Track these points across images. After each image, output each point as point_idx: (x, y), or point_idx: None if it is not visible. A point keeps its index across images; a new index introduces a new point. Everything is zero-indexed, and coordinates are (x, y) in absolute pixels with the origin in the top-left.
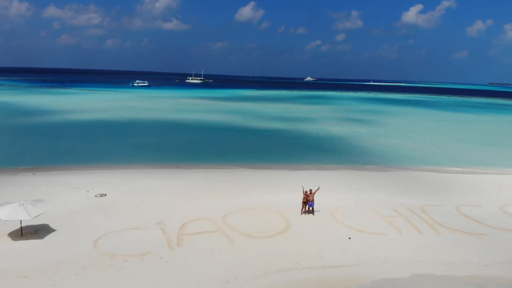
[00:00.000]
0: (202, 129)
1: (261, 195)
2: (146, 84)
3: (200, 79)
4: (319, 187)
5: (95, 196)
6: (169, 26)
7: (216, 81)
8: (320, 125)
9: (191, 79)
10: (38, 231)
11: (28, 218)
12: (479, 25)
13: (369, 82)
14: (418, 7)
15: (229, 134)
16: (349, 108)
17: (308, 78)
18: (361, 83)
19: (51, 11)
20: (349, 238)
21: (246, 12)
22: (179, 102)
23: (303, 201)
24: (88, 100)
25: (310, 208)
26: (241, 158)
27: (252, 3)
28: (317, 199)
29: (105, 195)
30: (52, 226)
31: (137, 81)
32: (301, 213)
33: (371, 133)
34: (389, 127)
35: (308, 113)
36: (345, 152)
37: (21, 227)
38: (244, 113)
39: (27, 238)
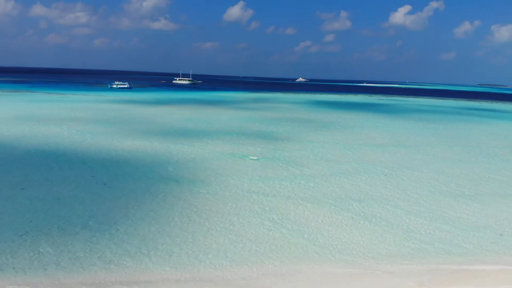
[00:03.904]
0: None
1: None
2: (126, 86)
3: (188, 80)
4: None
5: None
6: (157, 25)
7: (206, 82)
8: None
9: (179, 79)
10: None
11: None
12: (466, 26)
13: (362, 83)
14: (406, 8)
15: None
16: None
17: (300, 79)
18: (353, 84)
19: (38, 10)
20: None
21: (234, 12)
22: (133, 111)
23: None
24: None
25: None
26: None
27: (241, 3)
28: None
29: None
30: None
31: (116, 82)
32: None
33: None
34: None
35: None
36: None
37: None
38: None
39: None
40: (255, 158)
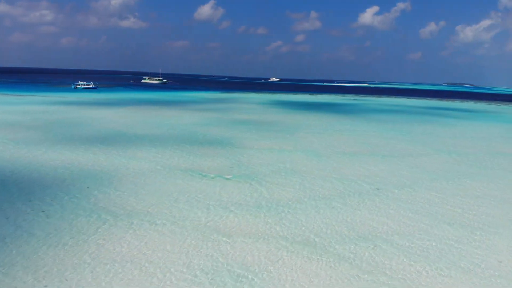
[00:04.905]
0: None
1: None
2: (90, 86)
3: (158, 79)
4: None
5: None
6: (126, 24)
7: (177, 81)
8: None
9: (148, 79)
10: None
11: None
12: (432, 27)
13: (334, 83)
14: (374, 9)
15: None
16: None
17: (273, 79)
18: (325, 84)
19: (1, 7)
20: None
21: (205, 10)
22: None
23: None
24: None
25: None
26: None
27: (211, 2)
28: None
29: None
30: None
31: (80, 82)
32: None
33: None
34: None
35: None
36: None
37: None
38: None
39: None
40: (229, 177)
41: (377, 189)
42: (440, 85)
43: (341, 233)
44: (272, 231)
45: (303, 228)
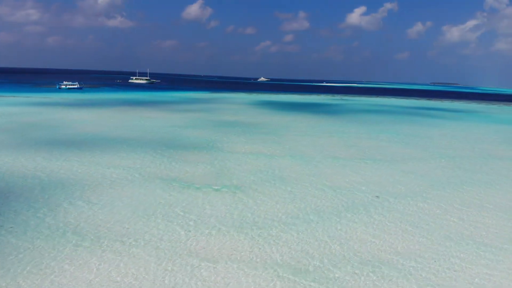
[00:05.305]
0: None
1: None
2: (76, 87)
3: (146, 79)
4: None
5: None
6: (113, 23)
7: (164, 81)
8: None
9: (135, 79)
10: None
11: None
12: (419, 27)
13: (322, 82)
14: (362, 9)
15: None
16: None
17: (262, 79)
18: (314, 84)
19: None
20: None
21: (193, 10)
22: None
23: None
24: None
25: None
26: None
27: (199, 1)
28: None
29: None
30: None
31: (64, 82)
32: None
33: None
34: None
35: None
36: None
37: None
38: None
39: None
40: (214, 187)
41: (377, 196)
42: (427, 84)
43: (336, 253)
44: (260, 251)
45: (296, 247)
